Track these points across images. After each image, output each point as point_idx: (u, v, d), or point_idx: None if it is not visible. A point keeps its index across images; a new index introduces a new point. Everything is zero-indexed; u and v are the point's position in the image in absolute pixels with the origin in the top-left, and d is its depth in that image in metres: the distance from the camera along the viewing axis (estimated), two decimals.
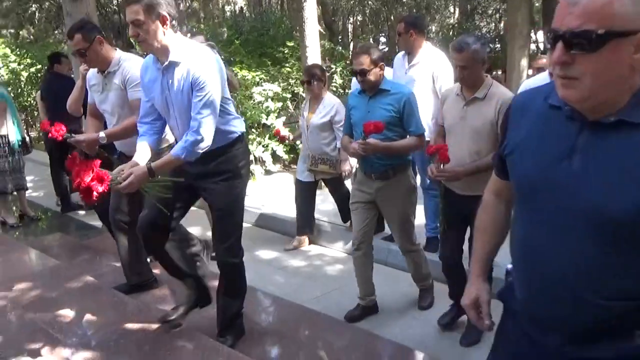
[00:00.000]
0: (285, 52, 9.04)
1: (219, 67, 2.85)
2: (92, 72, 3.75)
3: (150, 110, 3.02)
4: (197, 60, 2.76)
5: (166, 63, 2.78)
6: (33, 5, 10.60)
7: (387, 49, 21.37)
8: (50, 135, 3.81)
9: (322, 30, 8.21)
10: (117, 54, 3.63)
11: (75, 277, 4.01)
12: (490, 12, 16.97)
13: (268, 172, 7.71)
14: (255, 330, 3.46)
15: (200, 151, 2.80)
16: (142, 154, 2.92)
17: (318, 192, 5.47)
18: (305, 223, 5.34)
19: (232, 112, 3.04)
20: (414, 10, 15.53)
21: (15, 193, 6.44)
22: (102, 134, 3.59)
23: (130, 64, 3.55)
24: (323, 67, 5.74)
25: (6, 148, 6.10)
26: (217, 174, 2.99)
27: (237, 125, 3.06)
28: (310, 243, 5.46)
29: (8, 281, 4.02)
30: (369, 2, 15.93)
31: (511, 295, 1.58)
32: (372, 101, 3.70)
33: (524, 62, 10.56)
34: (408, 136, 3.67)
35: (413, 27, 4.64)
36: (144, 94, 3.04)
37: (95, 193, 2.67)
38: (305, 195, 5.29)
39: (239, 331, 3.31)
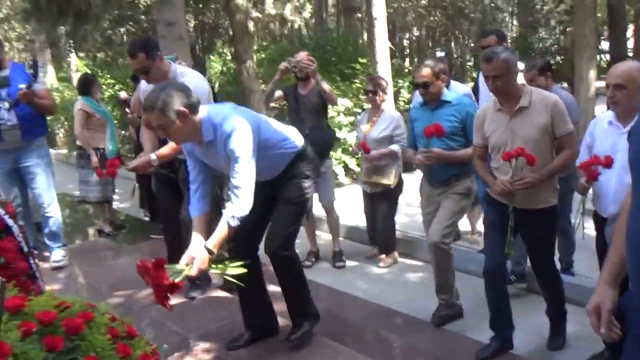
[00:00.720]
0: (357, 67, 9.33)
1: (247, 118, 2.97)
2: (148, 85, 3.72)
3: (198, 172, 3.14)
4: (224, 132, 2.87)
5: (203, 143, 2.95)
6: (120, 29, 11.33)
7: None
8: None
9: (392, 47, 8.43)
10: (176, 68, 3.70)
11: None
12: (552, 24, 16.86)
13: (339, 185, 7.96)
14: (345, 329, 3.69)
15: (247, 211, 2.92)
16: (200, 230, 3.01)
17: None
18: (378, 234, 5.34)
19: (283, 136, 3.16)
20: (479, 25, 15.61)
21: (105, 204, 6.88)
22: (153, 156, 3.72)
23: (189, 79, 3.54)
24: (387, 80, 5.81)
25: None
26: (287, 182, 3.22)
27: (292, 144, 3.19)
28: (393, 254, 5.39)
29: (120, 282, 4.41)
30: (433, 17, 16.10)
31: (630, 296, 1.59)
32: (435, 113, 3.89)
33: (592, 73, 10.47)
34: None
35: (504, 39, 4.70)
36: (189, 155, 3.15)
37: (169, 300, 2.79)
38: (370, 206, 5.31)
39: (313, 317, 3.36)
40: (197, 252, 2.87)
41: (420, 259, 5.36)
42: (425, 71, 3.84)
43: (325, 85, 5.03)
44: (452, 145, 3.82)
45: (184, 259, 2.88)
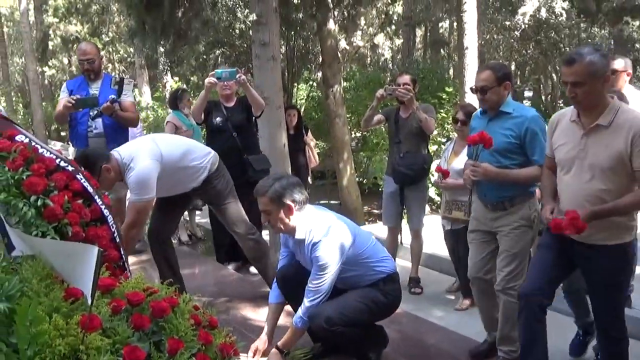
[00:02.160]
0: (443, 97, 9.25)
1: (339, 235, 3.06)
2: None
3: (286, 262, 3.37)
4: (313, 238, 3.01)
5: (295, 239, 3.12)
6: (216, 52, 11.84)
7: (529, 103, 20.89)
8: None
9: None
10: (123, 162, 3.64)
11: (255, 287, 4.39)
12: None
13: None
14: (424, 352, 3.59)
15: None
16: (272, 319, 3.25)
17: None
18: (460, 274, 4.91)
19: (374, 259, 3.20)
20: None
21: (187, 213, 7.08)
22: None
23: (132, 172, 3.60)
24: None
25: None
26: None
27: (383, 269, 3.22)
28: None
29: (198, 289, 4.49)
30: (526, 51, 15.76)
31: None
32: (492, 124, 3.36)
33: None
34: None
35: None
36: (283, 244, 3.41)
37: None
38: (452, 246, 4.89)
39: (378, 345, 3.32)
40: (271, 354, 3.07)
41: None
42: (486, 74, 3.32)
43: (421, 114, 4.91)
44: (506, 164, 3.26)
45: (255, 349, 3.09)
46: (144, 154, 3.59)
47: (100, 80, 4.94)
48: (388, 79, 11.12)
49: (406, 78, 5.08)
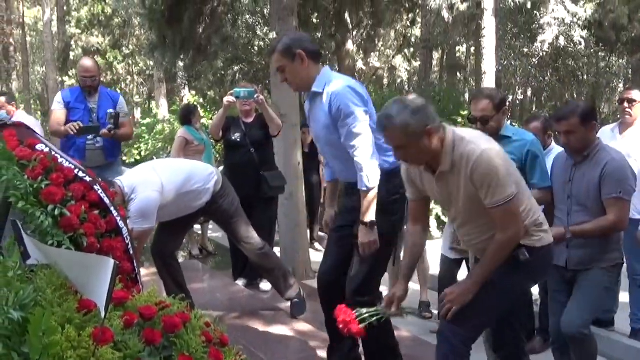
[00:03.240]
0: (459, 120, 9.24)
1: (357, 86, 3.00)
2: None
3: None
4: (334, 90, 2.90)
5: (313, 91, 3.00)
6: (234, 68, 11.97)
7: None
8: None
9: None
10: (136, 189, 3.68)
11: (265, 304, 4.37)
12: None
13: (430, 237, 7.77)
14: None
15: (375, 174, 2.86)
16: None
17: None
18: None
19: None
20: (592, 89, 15.08)
21: (199, 226, 7.08)
22: None
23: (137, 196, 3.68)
24: None
25: None
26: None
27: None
28: None
29: (209, 304, 4.48)
30: (543, 78, 15.76)
31: None
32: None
33: None
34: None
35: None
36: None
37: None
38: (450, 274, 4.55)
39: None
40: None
41: None
42: (484, 103, 3.31)
43: None
44: None
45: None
46: (144, 186, 3.62)
47: (98, 94, 4.99)
48: None
49: None
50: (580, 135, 3.03)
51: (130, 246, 2.56)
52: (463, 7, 7.73)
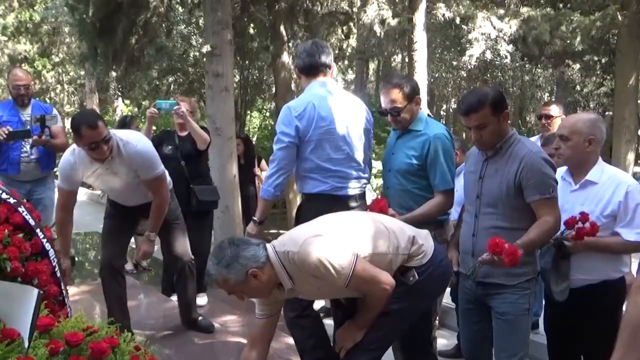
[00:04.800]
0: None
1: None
2: None
3: None
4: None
5: None
6: (169, 79, 11.81)
7: None
8: None
9: (430, 115, 8.57)
10: (116, 138, 3.53)
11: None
12: (592, 106, 16.92)
13: None
14: None
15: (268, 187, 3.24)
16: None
17: None
18: None
19: None
20: (518, 100, 15.79)
21: (133, 240, 6.90)
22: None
23: (131, 148, 3.61)
24: None
25: None
26: None
27: None
28: None
29: (142, 321, 4.41)
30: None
31: None
32: (400, 141, 3.15)
33: (631, 157, 10.43)
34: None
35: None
36: None
37: None
38: None
39: None
40: None
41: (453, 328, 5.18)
42: (395, 93, 3.03)
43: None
44: (409, 188, 3.08)
45: None
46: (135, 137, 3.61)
47: (30, 107, 4.94)
48: None
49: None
50: (493, 127, 2.63)
51: (57, 268, 2.50)
52: (394, 22, 7.93)
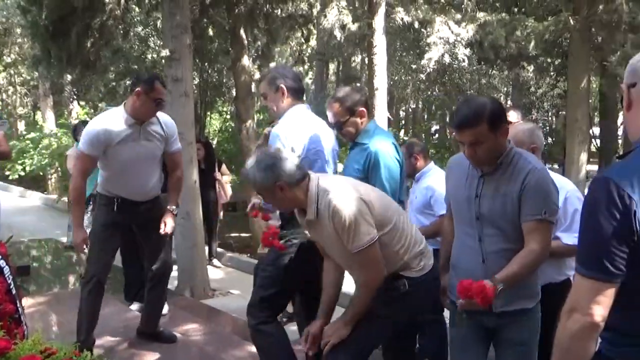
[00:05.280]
0: None
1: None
2: None
3: None
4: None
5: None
6: (126, 81, 11.56)
7: (437, 135, 21.97)
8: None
9: (390, 117, 8.67)
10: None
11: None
12: (546, 107, 17.38)
13: None
14: None
15: None
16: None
17: None
18: None
19: None
20: None
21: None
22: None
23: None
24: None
25: None
26: None
27: None
28: None
29: (102, 332, 4.31)
30: (431, 92, 16.63)
31: None
32: (351, 153, 3.23)
33: (584, 157, 10.73)
34: None
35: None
36: None
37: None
38: None
39: None
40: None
41: None
42: (334, 108, 3.08)
43: None
44: None
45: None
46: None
47: None
48: None
49: None
50: (490, 144, 2.38)
51: (12, 285, 2.43)
52: (354, 27, 7.98)
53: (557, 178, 2.86)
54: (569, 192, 2.86)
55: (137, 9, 10.25)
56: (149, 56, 11.90)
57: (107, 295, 5.63)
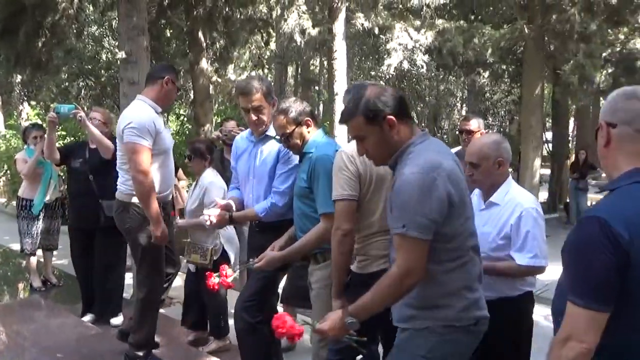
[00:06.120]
0: None
1: None
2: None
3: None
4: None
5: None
6: (80, 83, 11.25)
7: None
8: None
9: None
10: None
11: (116, 344, 4.13)
12: (501, 113, 17.76)
13: None
14: None
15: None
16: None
17: None
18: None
19: None
20: (433, 108, 16.31)
21: (41, 253, 6.51)
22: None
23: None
24: (211, 144, 4.88)
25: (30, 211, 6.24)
26: None
27: None
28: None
29: (52, 347, 4.14)
30: None
31: None
32: (300, 166, 3.09)
33: (537, 162, 11.00)
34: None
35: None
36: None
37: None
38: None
39: None
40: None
41: None
42: (279, 120, 2.96)
43: None
44: (305, 210, 2.97)
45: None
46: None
47: None
48: None
49: (232, 124, 5.37)
50: (375, 139, 2.12)
51: None
52: (314, 32, 7.96)
53: (517, 193, 2.82)
54: (525, 211, 2.70)
55: (91, 8, 9.98)
56: (104, 56, 11.61)
57: (60, 307, 5.47)
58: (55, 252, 6.95)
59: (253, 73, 14.59)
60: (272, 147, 3.30)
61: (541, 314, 3.59)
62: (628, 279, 1.50)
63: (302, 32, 7.92)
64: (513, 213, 2.70)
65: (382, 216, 2.59)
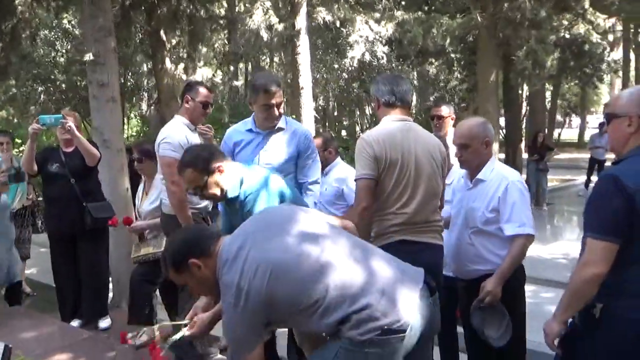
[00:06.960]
0: None
1: None
2: None
3: None
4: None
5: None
6: (39, 88, 10.94)
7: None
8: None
9: (317, 115, 8.81)
10: None
11: (109, 345, 4.13)
12: (456, 100, 18.11)
13: None
14: None
15: None
16: None
17: None
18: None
19: None
20: None
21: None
22: None
23: None
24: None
25: None
26: None
27: None
28: None
29: (45, 353, 4.09)
30: (352, 90, 16.96)
31: None
32: (224, 215, 3.30)
33: (495, 147, 11.32)
34: None
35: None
36: None
37: None
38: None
39: None
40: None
41: None
42: (188, 174, 2.79)
43: None
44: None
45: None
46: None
47: None
48: (226, 118, 11.12)
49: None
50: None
51: None
52: (280, 27, 8.01)
53: (502, 169, 3.02)
54: (510, 184, 2.89)
55: (43, 12, 9.73)
56: (60, 59, 11.32)
57: (43, 315, 5.37)
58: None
59: (219, 71, 14.46)
60: (283, 138, 3.46)
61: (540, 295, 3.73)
62: (634, 219, 2.00)
63: (269, 27, 7.97)
64: (499, 186, 2.91)
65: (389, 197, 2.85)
